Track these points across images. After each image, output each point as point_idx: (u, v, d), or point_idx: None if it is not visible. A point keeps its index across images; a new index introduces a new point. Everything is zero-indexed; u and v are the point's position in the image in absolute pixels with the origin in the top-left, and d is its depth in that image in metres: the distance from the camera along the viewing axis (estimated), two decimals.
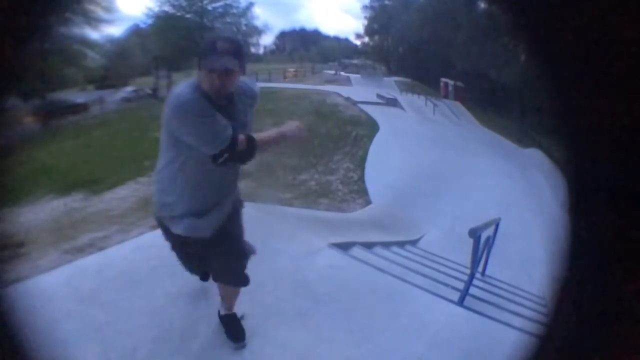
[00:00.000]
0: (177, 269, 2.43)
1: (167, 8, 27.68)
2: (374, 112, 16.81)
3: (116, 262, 3.03)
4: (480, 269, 4.90)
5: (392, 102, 20.81)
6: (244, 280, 2.20)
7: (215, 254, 2.13)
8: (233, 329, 2.38)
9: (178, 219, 2.01)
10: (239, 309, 2.43)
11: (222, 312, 2.42)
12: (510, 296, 4.34)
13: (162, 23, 27.49)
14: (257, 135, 1.93)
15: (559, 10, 0.41)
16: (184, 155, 1.90)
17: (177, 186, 1.97)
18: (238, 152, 1.85)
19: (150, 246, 3.19)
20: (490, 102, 28.11)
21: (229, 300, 2.38)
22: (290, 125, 2.12)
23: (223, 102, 1.85)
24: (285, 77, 34.57)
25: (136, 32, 32.72)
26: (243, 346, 2.34)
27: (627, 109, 0.41)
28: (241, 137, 1.85)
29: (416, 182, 9.81)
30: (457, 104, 27.14)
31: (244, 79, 1.99)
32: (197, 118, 1.76)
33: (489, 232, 5.04)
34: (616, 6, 0.39)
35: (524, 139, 20.28)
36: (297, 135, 2.12)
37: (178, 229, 2.02)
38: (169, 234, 2.12)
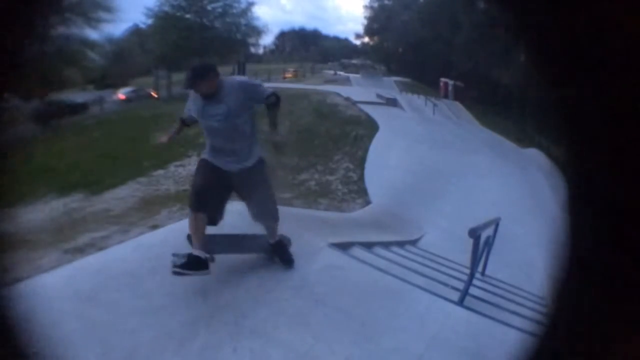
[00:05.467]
0: None
1: (166, 8, 27.68)
2: (374, 112, 16.80)
3: (116, 262, 3.02)
4: (480, 268, 4.90)
5: (392, 102, 20.82)
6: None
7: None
8: (281, 254, 3.08)
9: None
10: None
11: (271, 242, 3.08)
12: (510, 296, 4.34)
13: (162, 23, 27.49)
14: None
15: (560, 10, 0.41)
16: None
17: None
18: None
19: (150, 246, 3.19)
20: (490, 102, 28.13)
21: (272, 233, 3.05)
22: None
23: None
24: (284, 77, 34.57)
25: (136, 32, 32.74)
26: (291, 267, 3.06)
27: (627, 109, 0.41)
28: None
29: (416, 182, 9.80)
30: (457, 103, 27.15)
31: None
32: None
33: (488, 232, 5.03)
34: (618, 5, 0.39)
35: (523, 139, 20.29)
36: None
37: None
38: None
